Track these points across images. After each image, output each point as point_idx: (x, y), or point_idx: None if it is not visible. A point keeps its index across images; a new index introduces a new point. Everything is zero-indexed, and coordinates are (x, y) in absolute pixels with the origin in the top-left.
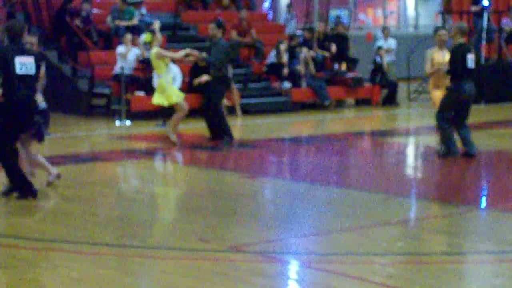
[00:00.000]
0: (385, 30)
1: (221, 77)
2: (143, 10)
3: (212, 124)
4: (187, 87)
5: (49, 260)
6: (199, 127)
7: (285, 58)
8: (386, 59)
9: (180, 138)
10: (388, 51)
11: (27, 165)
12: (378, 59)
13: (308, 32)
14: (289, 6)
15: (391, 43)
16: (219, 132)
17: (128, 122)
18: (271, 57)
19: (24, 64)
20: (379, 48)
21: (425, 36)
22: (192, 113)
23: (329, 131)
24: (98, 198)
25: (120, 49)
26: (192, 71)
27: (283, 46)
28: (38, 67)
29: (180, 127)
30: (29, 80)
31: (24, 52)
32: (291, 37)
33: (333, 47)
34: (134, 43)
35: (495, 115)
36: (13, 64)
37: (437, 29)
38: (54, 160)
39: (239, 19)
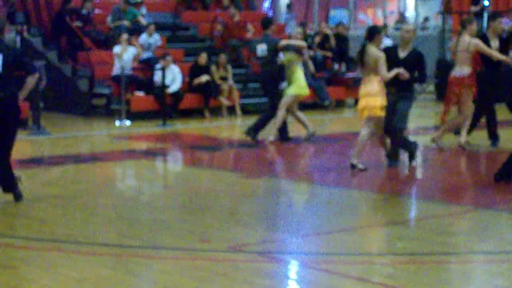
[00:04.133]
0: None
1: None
2: (143, 10)
3: (265, 121)
4: (187, 87)
5: (49, 260)
6: (199, 127)
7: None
8: None
9: (181, 138)
10: None
11: None
12: None
13: (302, 29)
14: (289, 6)
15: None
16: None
17: (128, 122)
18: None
19: None
20: None
21: (425, 36)
22: (192, 113)
23: (329, 131)
24: (98, 198)
25: (116, 49)
26: (192, 71)
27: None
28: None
29: (179, 127)
30: None
31: None
32: (290, 37)
33: (332, 40)
34: (131, 43)
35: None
36: None
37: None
38: (54, 160)
39: (230, 17)
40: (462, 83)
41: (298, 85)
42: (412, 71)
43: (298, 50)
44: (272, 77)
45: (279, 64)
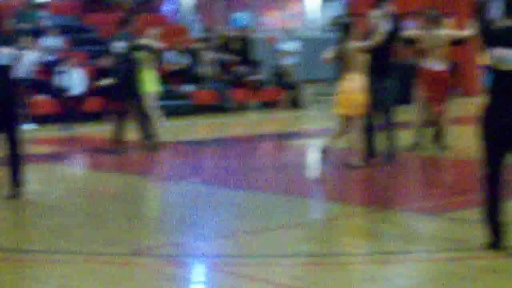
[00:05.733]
0: (285, 33)
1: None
2: (46, 13)
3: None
4: (91, 90)
5: None
6: (102, 131)
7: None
8: (289, 61)
9: (83, 142)
10: (289, 53)
11: None
12: (278, 62)
13: (209, 33)
14: (195, 9)
15: (292, 45)
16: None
17: (29, 126)
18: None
19: None
20: (278, 51)
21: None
22: (95, 117)
23: (232, 133)
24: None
25: None
26: (96, 74)
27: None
28: None
29: (82, 130)
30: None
31: None
32: (198, 40)
33: (235, 43)
34: (31, 46)
35: None
36: None
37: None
38: None
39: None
40: None
41: (151, 83)
42: None
43: (152, 51)
44: (128, 75)
45: (134, 63)
